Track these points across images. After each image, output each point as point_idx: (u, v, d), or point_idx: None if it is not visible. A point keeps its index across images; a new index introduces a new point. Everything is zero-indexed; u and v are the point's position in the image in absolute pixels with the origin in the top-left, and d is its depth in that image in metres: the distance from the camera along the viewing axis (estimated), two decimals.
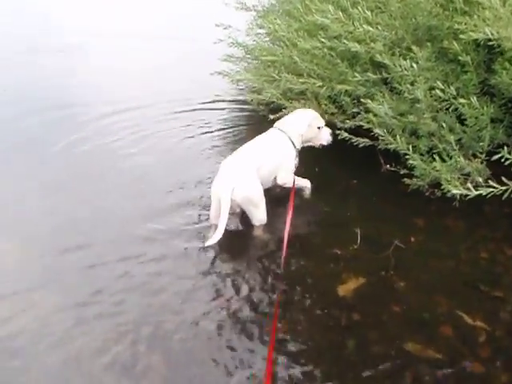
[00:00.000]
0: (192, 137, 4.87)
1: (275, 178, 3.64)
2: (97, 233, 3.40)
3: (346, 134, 3.62)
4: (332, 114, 4.13)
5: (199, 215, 3.54)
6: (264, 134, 3.72)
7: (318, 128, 3.78)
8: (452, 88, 3.34)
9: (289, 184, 3.60)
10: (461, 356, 2.48)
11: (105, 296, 2.85)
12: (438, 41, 3.61)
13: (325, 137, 3.81)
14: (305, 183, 3.81)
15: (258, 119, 4.90)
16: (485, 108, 3.38)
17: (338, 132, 3.70)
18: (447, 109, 3.52)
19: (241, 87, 5.10)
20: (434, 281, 2.98)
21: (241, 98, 5.24)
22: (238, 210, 3.41)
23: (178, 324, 2.67)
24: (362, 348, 2.54)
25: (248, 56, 4.84)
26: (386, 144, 3.50)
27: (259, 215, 3.41)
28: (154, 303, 2.82)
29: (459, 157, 3.27)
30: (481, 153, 3.39)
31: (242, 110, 5.33)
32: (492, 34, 3.04)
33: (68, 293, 2.89)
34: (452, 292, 2.89)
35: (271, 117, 4.29)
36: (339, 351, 2.48)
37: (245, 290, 2.93)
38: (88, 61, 7.43)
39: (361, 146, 3.62)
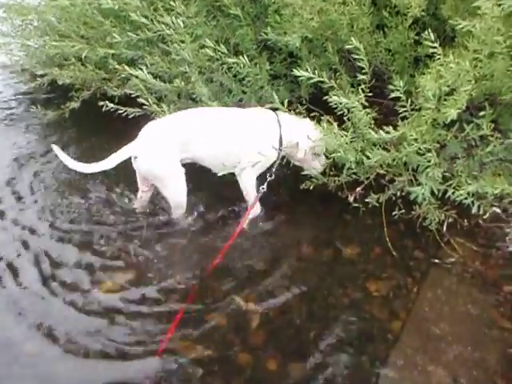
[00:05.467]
0: None
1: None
2: None
3: (111, 105, 3.11)
4: (104, 79, 3.63)
5: None
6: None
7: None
8: (223, 46, 3.02)
9: (248, 195, 2.93)
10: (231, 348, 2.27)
11: None
12: None
13: (318, 165, 2.94)
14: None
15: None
16: (258, 65, 3.15)
17: (101, 103, 3.16)
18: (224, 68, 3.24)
19: None
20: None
21: None
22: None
23: None
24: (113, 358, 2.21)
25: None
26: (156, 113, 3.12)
27: (171, 195, 2.78)
28: None
29: None
30: None
31: None
32: None
33: None
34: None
35: (32, 85, 3.82)
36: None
37: None
38: None
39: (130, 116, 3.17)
